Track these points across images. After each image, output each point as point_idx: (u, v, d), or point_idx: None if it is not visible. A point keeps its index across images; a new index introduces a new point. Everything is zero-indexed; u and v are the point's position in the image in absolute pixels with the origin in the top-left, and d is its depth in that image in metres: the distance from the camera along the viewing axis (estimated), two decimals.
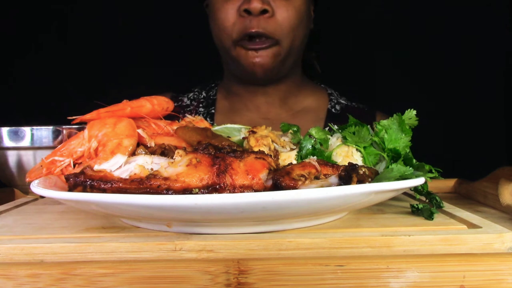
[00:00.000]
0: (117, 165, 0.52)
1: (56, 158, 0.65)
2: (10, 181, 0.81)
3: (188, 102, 1.34)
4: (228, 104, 1.31)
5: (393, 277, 0.45)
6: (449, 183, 0.83)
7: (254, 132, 0.67)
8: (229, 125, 0.73)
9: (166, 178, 0.48)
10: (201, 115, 1.29)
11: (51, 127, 0.76)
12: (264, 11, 1.07)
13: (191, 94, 1.36)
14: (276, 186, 0.49)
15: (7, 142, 0.76)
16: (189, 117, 0.81)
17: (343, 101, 1.31)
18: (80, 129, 0.72)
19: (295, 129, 0.68)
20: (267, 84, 1.22)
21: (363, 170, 0.51)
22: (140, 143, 0.66)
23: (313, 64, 1.39)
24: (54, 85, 1.64)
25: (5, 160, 0.77)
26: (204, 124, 0.78)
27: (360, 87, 1.54)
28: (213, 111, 1.31)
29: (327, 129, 0.67)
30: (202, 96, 1.35)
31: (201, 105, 1.33)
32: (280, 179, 0.49)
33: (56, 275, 0.44)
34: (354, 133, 0.63)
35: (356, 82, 1.62)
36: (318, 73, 1.40)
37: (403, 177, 0.55)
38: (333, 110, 1.28)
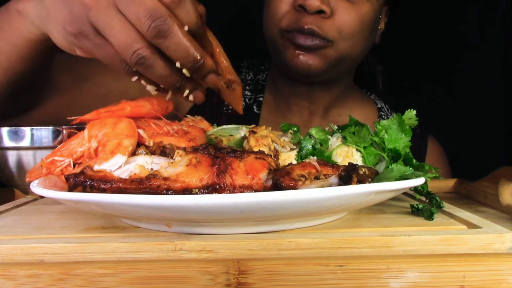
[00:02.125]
0: (117, 165, 0.52)
1: (56, 158, 0.65)
2: (10, 181, 0.81)
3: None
4: (274, 100, 1.21)
5: (393, 277, 0.45)
6: (449, 183, 0.83)
7: (254, 132, 0.67)
8: (226, 126, 0.73)
9: (166, 178, 0.48)
10: (246, 99, 1.20)
11: (51, 127, 0.76)
12: (320, 11, 0.97)
13: (240, 75, 1.23)
14: (276, 186, 0.49)
15: (7, 142, 0.76)
16: (189, 117, 0.81)
17: None
18: (80, 129, 0.72)
19: (295, 129, 0.68)
20: (312, 87, 1.13)
21: (363, 170, 0.51)
22: (140, 143, 0.66)
23: (377, 78, 1.30)
24: None
25: (5, 160, 0.77)
26: (204, 124, 0.78)
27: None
28: (261, 99, 1.19)
29: (327, 129, 0.67)
30: (249, 77, 1.23)
31: (248, 87, 1.22)
32: (280, 179, 0.49)
33: (56, 275, 0.45)
34: (354, 133, 0.63)
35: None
36: (378, 88, 1.30)
37: (403, 177, 0.55)
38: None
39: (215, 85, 0.66)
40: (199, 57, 0.60)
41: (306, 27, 0.97)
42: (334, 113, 1.18)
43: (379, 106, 1.24)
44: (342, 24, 0.99)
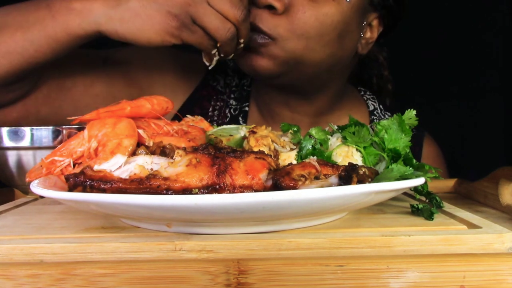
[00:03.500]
0: (117, 165, 0.52)
1: (56, 158, 0.65)
2: (10, 181, 0.81)
3: (222, 89, 1.16)
4: (258, 109, 1.14)
5: (393, 277, 0.45)
6: (449, 183, 0.83)
7: (254, 132, 0.67)
8: (225, 126, 0.73)
9: (166, 178, 0.48)
10: (231, 110, 1.13)
11: (51, 127, 0.76)
12: (270, 7, 0.90)
13: (227, 77, 1.17)
14: (276, 186, 0.49)
15: (7, 142, 0.76)
16: (189, 117, 0.81)
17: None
18: (80, 129, 0.72)
19: (295, 129, 0.68)
20: (286, 94, 1.06)
21: (363, 170, 0.51)
22: (140, 143, 0.66)
23: (385, 87, 1.22)
24: None
25: (5, 160, 0.77)
26: (204, 124, 0.78)
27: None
28: (246, 108, 1.13)
29: (327, 129, 0.67)
30: (234, 83, 1.16)
31: (232, 95, 1.15)
32: (280, 179, 0.49)
33: (56, 275, 0.44)
34: (354, 133, 0.63)
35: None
36: (387, 95, 1.23)
37: (403, 177, 0.55)
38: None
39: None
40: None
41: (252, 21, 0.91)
42: (322, 121, 1.10)
43: (371, 108, 1.17)
44: (294, 22, 0.90)
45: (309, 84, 1.03)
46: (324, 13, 0.91)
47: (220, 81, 1.17)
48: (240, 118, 1.13)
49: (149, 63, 1.12)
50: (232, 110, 1.14)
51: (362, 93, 1.21)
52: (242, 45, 0.89)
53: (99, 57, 1.08)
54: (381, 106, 1.19)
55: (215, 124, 0.79)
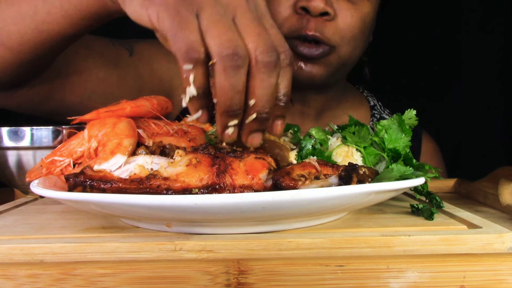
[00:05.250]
0: (117, 165, 0.52)
1: (56, 158, 0.65)
2: (10, 181, 0.81)
3: None
4: None
5: (393, 277, 0.45)
6: (449, 183, 0.83)
7: None
8: None
9: (165, 178, 0.48)
10: None
11: (51, 127, 0.76)
12: (325, 13, 0.93)
13: None
14: (276, 186, 0.49)
15: (7, 142, 0.76)
16: (189, 117, 0.81)
17: (386, 116, 1.19)
18: (80, 129, 0.72)
19: (295, 129, 0.68)
20: (307, 91, 1.08)
21: (363, 170, 0.51)
22: (140, 143, 0.66)
23: (364, 70, 1.26)
24: None
25: (5, 160, 0.77)
26: (204, 124, 0.78)
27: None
28: None
29: (327, 129, 0.67)
30: None
31: None
32: (280, 179, 0.49)
33: (56, 275, 0.45)
34: (354, 133, 0.63)
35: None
36: (366, 78, 1.27)
37: (403, 177, 0.55)
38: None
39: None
40: (268, 111, 0.53)
41: (309, 33, 0.93)
42: (327, 115, 1.15)
43: (372, 104, 1.21)
44: (344, 27, 0.95)
45: (338, 79, 1.08)
46: (366, 13, 0.98)
47: None
48: None
49: (171, 57, 1.12)
50: None
51: (361, 90, 1.25)
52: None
53: (125, 49, 1.05)
54: (380, 103, 1.23)
55: (215, 124, 0.79)
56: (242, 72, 0.50)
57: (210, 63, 0.49)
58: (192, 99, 0.51)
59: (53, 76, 0.89)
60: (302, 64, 0.97)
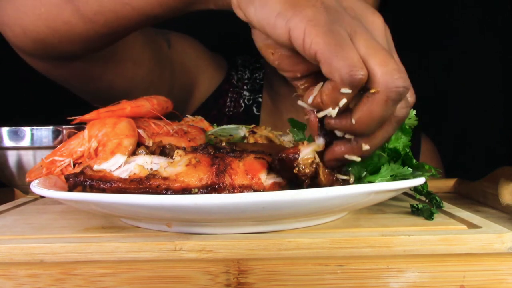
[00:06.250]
0: (117, 165, 0.52)
1: (56, 158, 0.65)
2: (10, 181, 0.81)
3: (236, 82, 1.21)
4: (271, 101, 1.20)
5: (393, 277, 0.45)
6: (449, 183, 0.83)
7: (254, 132, 0.67)
8: (225, 126, 0.73)
9: (165, 178, 0.48)
10: (245, 100, 1.20)
11: (51, 127, 0.76)
12: None
13: (238, 72, 1.22)
14: (281, 163, 0.48)
15: (7, 142, 0.76)
16: (189, 117, 0.81)
17: None
18: (80, 129, 0.72)
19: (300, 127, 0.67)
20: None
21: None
22: (140, 143, 0.66)
23: None
24: (54, 85, 1.64)
25: (5, 160, 0.78)
26: (204, 124, 0.78)
27: None
28: (260, 99, 1.18)
29: None
30: (246, 76, 1.22)
31: (245, 87, 1.20)
32: (280, 155, 0.49)
33: (56, 275, 0.45)
34: None
35: None
36: None
37: (400, 177, 0.55)
38: None
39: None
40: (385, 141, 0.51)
41: None
42: None
43: None
44: None
45: None
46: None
47: (234, 76, 1.23)
48: (254, 108, 1.19)
49: (199, 53, 1.15)
50: (246, 100, 1.20)
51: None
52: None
53: (164, 40, 1.06)
54: None
55: (215, 124, 0.79)
56: (401, 104, 0.48)
57: (373, 91, 0.45)
58: (321, 118, 0.49)
59: (109, 57, 0.88)
60: None
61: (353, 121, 0.46)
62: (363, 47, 0.46)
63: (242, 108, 1.19)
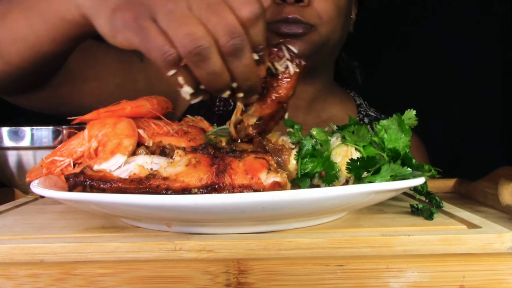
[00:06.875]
0: (117, 165, 0.52)
1: (56, 158, 0.65)
2: (10, 181, 0.81)
3: None
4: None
5: (393, 277, 0.45)
6: (449, 183, 0.83)
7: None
8: (225, 126, 0.73)
9: (165, 178, 0.48)
10: (231, 107, 1.22)
11: (51, 127, 0.76)
12: (299, 1, 1.01)
13: None
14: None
15: (7, 142, 0.76)
16: (189, 117, 0.81)
17: (372, 113, 1.25)
18: (80, 129, 0.72)
19: (297, 127, 0.67)
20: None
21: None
22: (140, 143, 0.66)
23: (355, 73, 1.34)
24: None
25: (5, 160, 0.78)
26: (204, 124, 0.78)
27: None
28: None
29: (327, 129, 0.67)
30: None
31: None
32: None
33: (56, 275, 0.45)
34: (353, 133, 0.63)
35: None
36: (358, 82, 1.34)
37: (399, 177, 0.55)
38: (361, 123, 1.18)
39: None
40: (258, 84, 0.58)
41: (290, 16, 1.01)
42: (317, 107, 1.20)
43: (358, 102, 1.28)
44: (320, 10, 1.03)
45: (319, 63, 1.14)
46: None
47: None
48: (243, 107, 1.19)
49: None
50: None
51: (348, 91, 1.32)
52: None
53: (135, 54, 1.10)
54: (366, 102, 1.29)
55: (215, 124, 0.79)
56: (212, 60, 0.52)
57: (182, 64, 0.52)
58: (192, 95, 0.55)
59: (72, 80, 0.94)
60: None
61: (202, 86, 0.55)
62: (163, 24, 0.52)
63: (231, 107, 1.20)
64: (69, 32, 0.75)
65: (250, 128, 0.59)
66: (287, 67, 0.59)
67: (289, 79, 0.59)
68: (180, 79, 0.54)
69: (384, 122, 0.62)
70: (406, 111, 0.64)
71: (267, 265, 0.45)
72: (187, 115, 0.82)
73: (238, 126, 0.60)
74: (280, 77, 0.59)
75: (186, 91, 0.54)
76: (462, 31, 1.66)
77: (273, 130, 0.69)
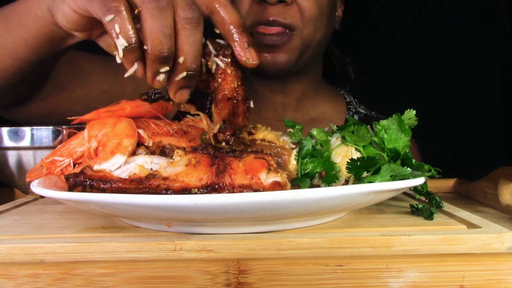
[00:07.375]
0: (117, 165, 0.52)
1: (56, 158, 0.65)
2: (10, 181, 0.81)
3: None
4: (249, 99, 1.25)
5: (393, 277, 0.45)
6: (449, 183, 0.84)
7: (251, 133, 0.67)
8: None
9: (165, 178, 0.48)
10: None
11: (51, 127, 0.76)
12: (281, 1, 1.01)
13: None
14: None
15: (7, 142, 0.76)
16: (189, 117, 0.81)
17: (362, 110, 1.25)
18: (80, 129, 0.72)
19: (297, 127, 0.67)
20: (284, 80, 1.15)
21: None
22: (140, 143, 0.66)
23: (347, 69, 1.33)
24: None
25: (5, 160, 0.78)
26: (204, 124, 0.78)
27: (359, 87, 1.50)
28: None
29: (326, 129, 0.67)
30: None
31: None
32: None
33: (56, 275, 0.45)
34: (353, 133, 0.63)
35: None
36: (350, 78, 1.34)
37: (399, 177, 0.55)
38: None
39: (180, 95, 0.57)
40: (196, 73, 0.54)
41: (270, 18, 1.01)
42: (307, 104, 1.21)
43: (348, 100, 1.28)
44: (302, 9, 1.02)
45: (306, 63, 1.13)
46: None
47: None
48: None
49: None
50: None
51: (339, 89, 1.32)
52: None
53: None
54: (356, 100, 1.30)
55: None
56: (168, 15, 0.51)
57: (136, 11, 0.50)
58: (125, 52, 0.51)
59: (60, 91, 0.96)
60: (267, 55, 1.04)
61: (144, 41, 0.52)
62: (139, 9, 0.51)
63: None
64: (40, 33, 0.73)
65: (221, 135, 0.59)
66: (217, 64, 0.57)
67: (223, 74, 0.57)
68: (117, 27, 0.50)
69: (384, 122, 0.62)
70: (406, 111, 0.64)
71: (267, 265, 0.45)
72: (187, 115, 0.82)
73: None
74: (216, 75, 0.58)
75: (122, 42, 0.51)
76: (462, 30, 1.66)
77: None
